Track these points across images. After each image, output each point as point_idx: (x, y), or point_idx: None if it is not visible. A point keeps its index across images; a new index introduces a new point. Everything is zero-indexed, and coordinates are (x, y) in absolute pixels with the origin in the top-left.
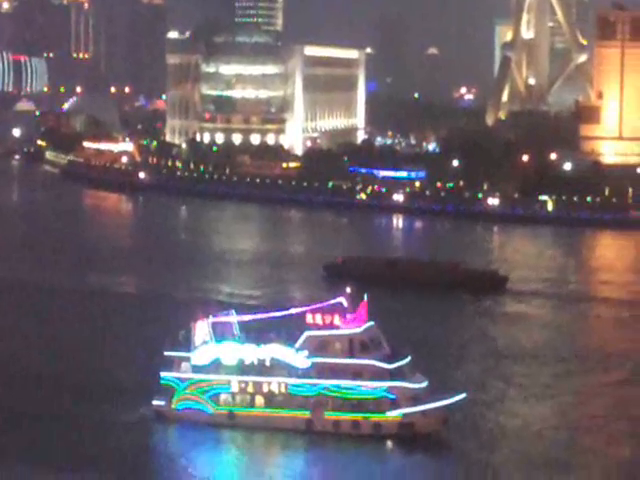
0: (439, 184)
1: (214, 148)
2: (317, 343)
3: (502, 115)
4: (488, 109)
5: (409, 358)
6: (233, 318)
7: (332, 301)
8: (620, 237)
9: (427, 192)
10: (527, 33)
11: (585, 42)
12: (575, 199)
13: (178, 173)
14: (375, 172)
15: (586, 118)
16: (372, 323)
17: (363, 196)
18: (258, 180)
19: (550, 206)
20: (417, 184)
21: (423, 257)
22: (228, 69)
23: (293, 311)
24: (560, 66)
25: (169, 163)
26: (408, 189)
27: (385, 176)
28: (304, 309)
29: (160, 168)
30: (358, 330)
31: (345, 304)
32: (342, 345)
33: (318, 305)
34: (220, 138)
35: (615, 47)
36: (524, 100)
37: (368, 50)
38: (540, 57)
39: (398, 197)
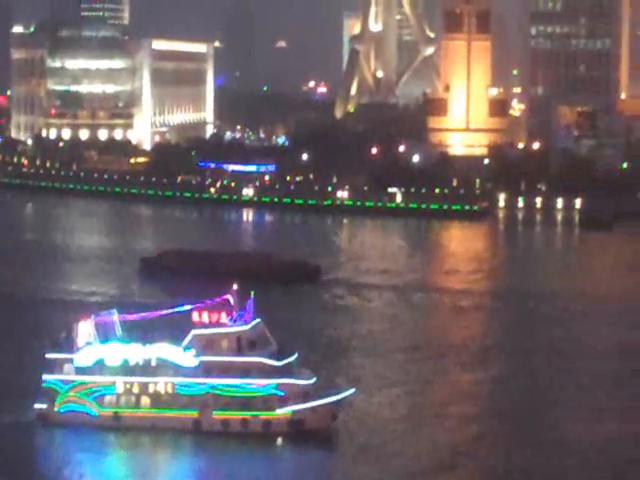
0: (289, 178)
1: (61, 144)
2: (204, 341)
3: (351, 108)
4: (337, 102)
5: (296, 354)
6: (115, 317)
7: (218, 299)
8: (467, 228)
9: (277, 186)
10: (375, 26)
11: (432, 35)
12: (423, 191)
13: (24, 170)
14: (224, 166)
15: (433, 110)
16: (259, 320)
17: (212, 191)
18: (106, 176)
19: (399, 198)
20: (267, 178)
21: (244, 250)
22: (74, 64)
23: (179, 309)
24: (408, 59)
25: (15, 160)
26: (258, 183)
27: (234, 170)
28: (190, 307)
29: (5, 165)
30: (246, 328)
31: (232, 302)
32: (230, 343)
33: (204, 303)
34: (67, 134)
35: (461, 40)
36: (373, 93)
37: (216, 44)
38: (388, 50)
39: (248, 191)
